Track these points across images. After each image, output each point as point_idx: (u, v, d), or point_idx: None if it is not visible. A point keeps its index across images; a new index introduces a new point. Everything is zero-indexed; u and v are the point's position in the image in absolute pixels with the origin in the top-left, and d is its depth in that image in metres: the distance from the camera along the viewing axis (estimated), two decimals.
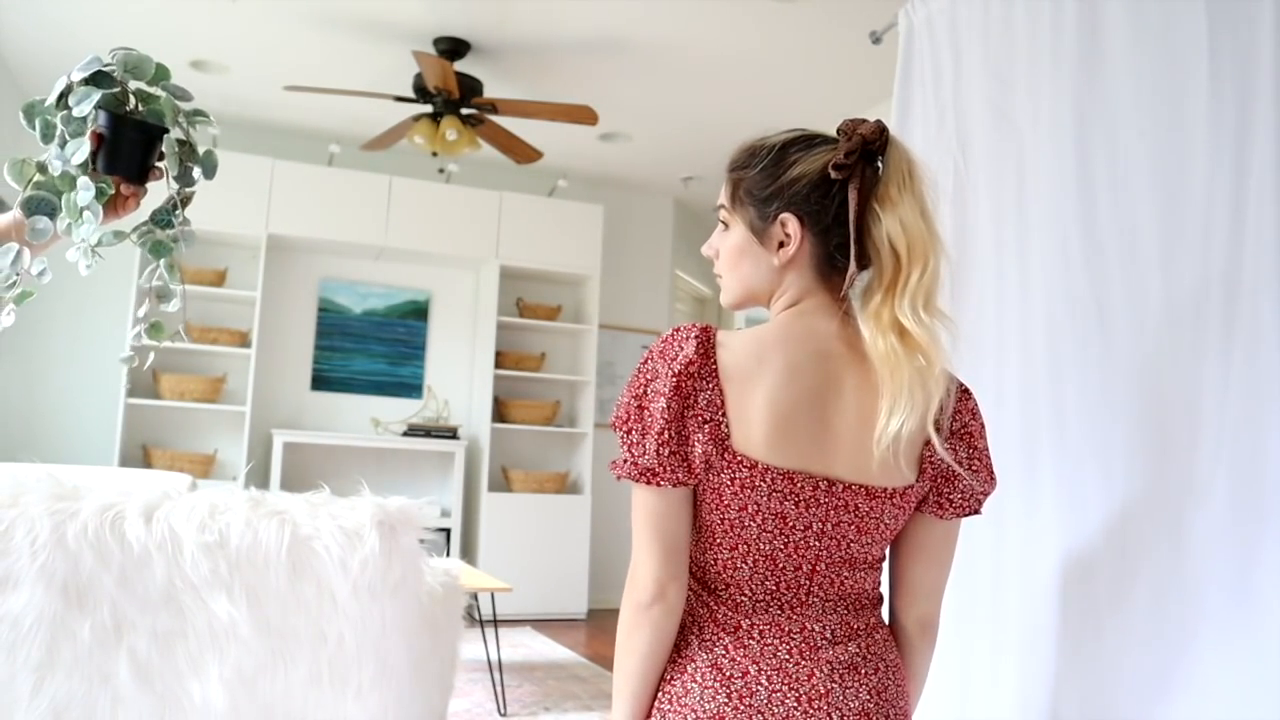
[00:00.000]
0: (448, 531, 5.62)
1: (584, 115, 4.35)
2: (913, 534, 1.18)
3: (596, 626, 5.68)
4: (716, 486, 1.07)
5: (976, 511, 1.18)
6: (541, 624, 5.59)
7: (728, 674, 1.07)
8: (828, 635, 1.09)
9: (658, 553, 1.06)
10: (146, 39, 4.51)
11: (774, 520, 1.07)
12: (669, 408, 1.04)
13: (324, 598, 1.74)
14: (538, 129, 5.05)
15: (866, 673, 1.10)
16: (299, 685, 1.73)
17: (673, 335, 1.08)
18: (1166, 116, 1.64)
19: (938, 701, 1.86)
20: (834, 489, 1.08)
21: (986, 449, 1.19)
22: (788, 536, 1.08)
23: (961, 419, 1.15)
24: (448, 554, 5.52)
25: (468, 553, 5.72)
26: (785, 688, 1.06)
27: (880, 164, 1.11)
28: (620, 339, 6.51)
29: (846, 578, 1.12)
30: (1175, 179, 1.61)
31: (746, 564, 1.09)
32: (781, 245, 1.13)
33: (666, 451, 1.04)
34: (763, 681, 1.06)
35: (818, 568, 1.10)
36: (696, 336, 1.07)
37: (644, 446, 1.04)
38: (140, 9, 4.20)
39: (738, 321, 6.96)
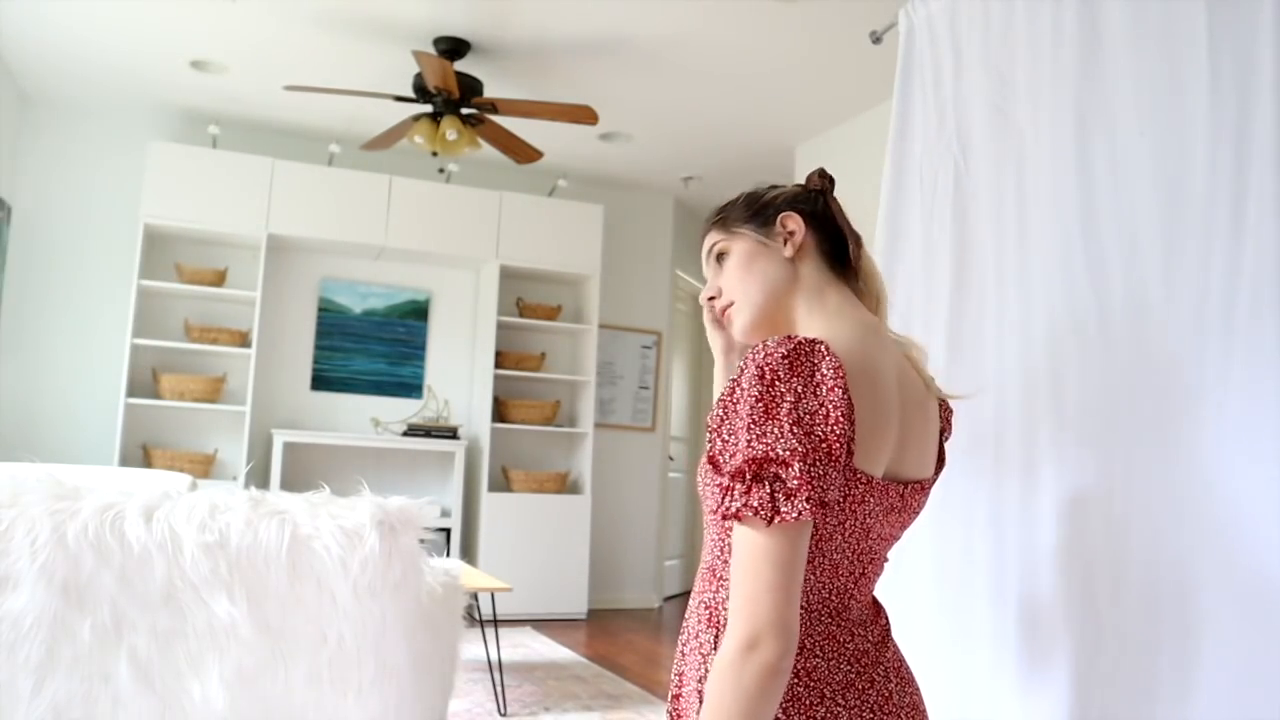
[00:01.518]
0: (448, 531, 5.62)
1: (584, 115, 4.35)
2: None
3: (596, 626, 5.68)
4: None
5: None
6: (541, 624, 5.59)
7: (806, 703, 0.99)
8: (869, 639, 1.09)
9: (789, 601, 0.89)
10: (146, 39, 4.51)
11: (858, 531, 1.02)
12: (839, 433, 0.92)
13: (324, 597, 1.74)
14: (538, 129, 5.05)
15: (904, 670, 1.13)
16: (299, 685, 1.73)
17: (799, 350, 0.94)
18: (1166, 116, 1.64)
19: (938, 702, 1.86)
20: (906, 491, 1.08)
21: None
22: (861, 544, 1.05)
23: None
24: (448, 554, 5.52)
25: (468, 553, 5.72)
26: (860, 703, 1.02)
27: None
28: (620, 339, 6.51)
29: (875, 577, 1.13)
30: (1175, 179, 1.61)
31: (813, 576, 1.02)
32: (789, 236, 1.16)
33: (841, 479, 0.94)
34: (840, 702, 1.00)
35: (867, 570, 1.08)
36: (823, 350, 0.95)
37: (830, 477, 0.92)
38: (140, 9, 4.20)
39: None
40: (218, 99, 5.21)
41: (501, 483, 5.91)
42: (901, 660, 1.14)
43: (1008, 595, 1.80)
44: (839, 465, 0.93)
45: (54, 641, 1.61)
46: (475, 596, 3.61)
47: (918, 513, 1.14)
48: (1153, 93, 1.68)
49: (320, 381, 5.86)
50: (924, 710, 1.14)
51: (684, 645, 1.12)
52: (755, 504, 0.89)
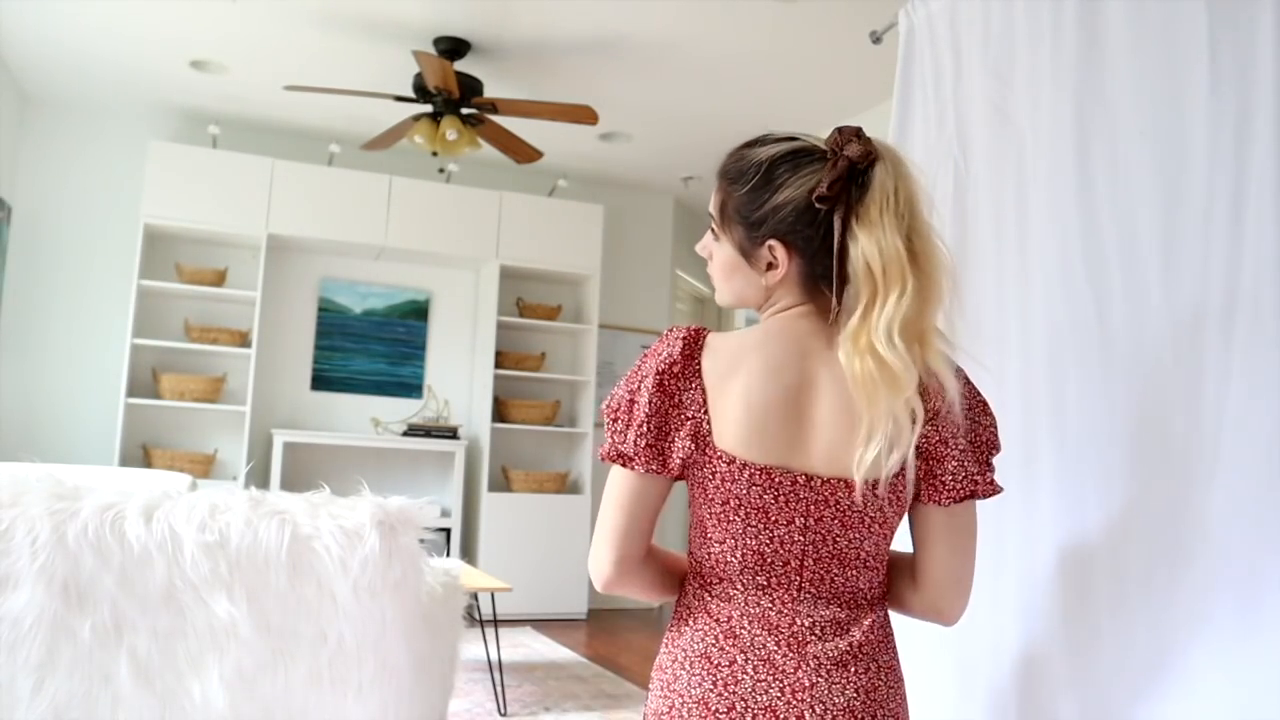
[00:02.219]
0: (448, 531, 5.62)
1: (584, 115, 4.35)
2: (917, 524, 1.19)
3: (597, 626, 5.68)
4: (701, 480, 1.13)
5: (975, 495, 1.15)
6: (541, 624, 5.59)
7: (715, 662, 1.11)
8: (817, 631, 1.11)
9: (619, 527, 1.14)
10: (146, 39, 4.51)
11: (757, 514, 1.11)
12: (650, 403, 1.11)
13: (324, 597, 1.74)
14: (538, 129, 5.05)
15: (857, 671, 1.11)
16: (299, 685, 1.73)
17: (665, 336, 1.15)
18: (1166, 116, 1.64)
19: (937, 702, 1.86)
20: (813, 483, 1.10)
21: (988, 428, 1.18)
22: (772, 531, 1.11)
23: (966, 402, 1.15)
24: (448, 554, 5.52)
25: (468, 553, 5.72)
26: (770, 678, 1.09)
27: (865, 181, 1.10)
28: (620, 339, 6.51)
29: (837, 574, 1.13)
30: (1175, 179, 1.61)
31: (735, 557, 1.12)
32: (770, 267, 1.15)
33: (643, 443, 1.11)
34: (749, 671, 1.10)
35: (806, 563, 1.12)
36: (684, 338, 1.14)
37: (625, 436, 1.12)
38: (140, 9, 4.20)
39: (738, 319, 6.96)
40: (218, 99, 5.21)
41: (501, 483, 5.91)
42: (874, 669, 1.11)
43: (1007, 595, 1.80)
44: (644, 434, 1.11)
45: (54, 641, 1.61)
46: (475, 596, 3.61)
47: (874, 513, 1.11)
48: (1153, 93, 1.68)
49: (320, 381, 5.86)
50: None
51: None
52: (605, 445, 1.15)
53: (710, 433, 1.11)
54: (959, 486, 1.14)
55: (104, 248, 5.38)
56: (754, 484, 1.10)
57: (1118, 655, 1.57)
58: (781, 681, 1.09)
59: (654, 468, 1.12)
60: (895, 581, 1.22)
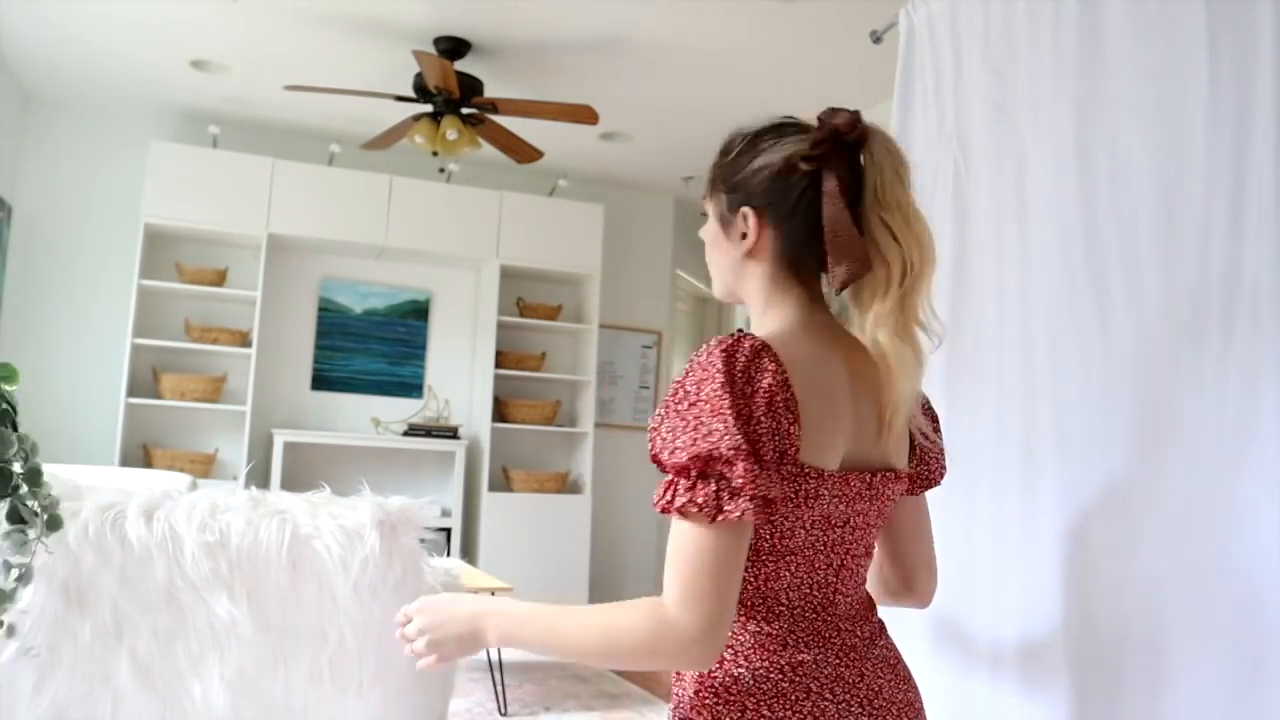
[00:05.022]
0: (448, 531, 5.62)
1: (584, 115, 4.35)
2: (899, 515, 1.23)
3: None
4: (791, 506, 1.01)
5: (938, 483, 1.24)
6: None
7: (793, 698, 1.00)
8: (859, 634, 1.09)
9: (721, 603, 0.91)
10: (146, 39, 4.51)
11: (821, 522, 1.04)
12: (770, 430, 0.94)
13: (324, 597, 1.74)
14: (538, 128, 5.05)
15: (900, 667, 1.13)
16: (300, 684, 1.73)
17: (739, 351, 0.96)
18: (1166, 116, 1.64)
19: (936, 702, 1.86)
20: (874, 479, 1.08)
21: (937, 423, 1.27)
22: (828, 536, 1.06)
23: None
24: (448, 553, 5.52)
25: (468, 552, 5.72)
26: (849, 697, 1.03)
27: (862, 160, 1.08)
28: (620, 339, 6.51)
29: (860, 569, 1.13)
30: (1175, 178, 1.61)
31: (788, 571, 1.04)
32: (743, 237, 1.12)
33: (778, 477, 0.95)
34: (827, 696, 1.01)
35: (846, 562, 1.09)
36: (761, 348, 0.97)
37: (768, 474, 0.93)
38: (140, 8, 4.20)
39: (737, 318, 6.96)
40: (218, 99, 5.21)
41: (502, 482, 5.91)
42: (898, 657, 1.14)
43: (1007, 595, 1.80)
44: (779, 464, 0.95)
45: (55, 641, 1.61)
46: None
47: (894, 502, 1.16)
48: (1153, 92, 1.68)
49: (321, 381, 5.87)
50: (920, 708, 1.13)
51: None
52: (700, 501, 0.91)
53: (798, 449, 0.98)
54: (934, 476, 1.23)
55: (104, 248, 5.38)
56: (834, 494, 1.03)
57: (1118, 655, 1.57)
58: (859, 694, 1.04)
59: (763, 513, 0.94)
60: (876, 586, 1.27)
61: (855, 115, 1.08)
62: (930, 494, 1.28)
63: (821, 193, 1.06)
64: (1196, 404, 1.52)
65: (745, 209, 1.10)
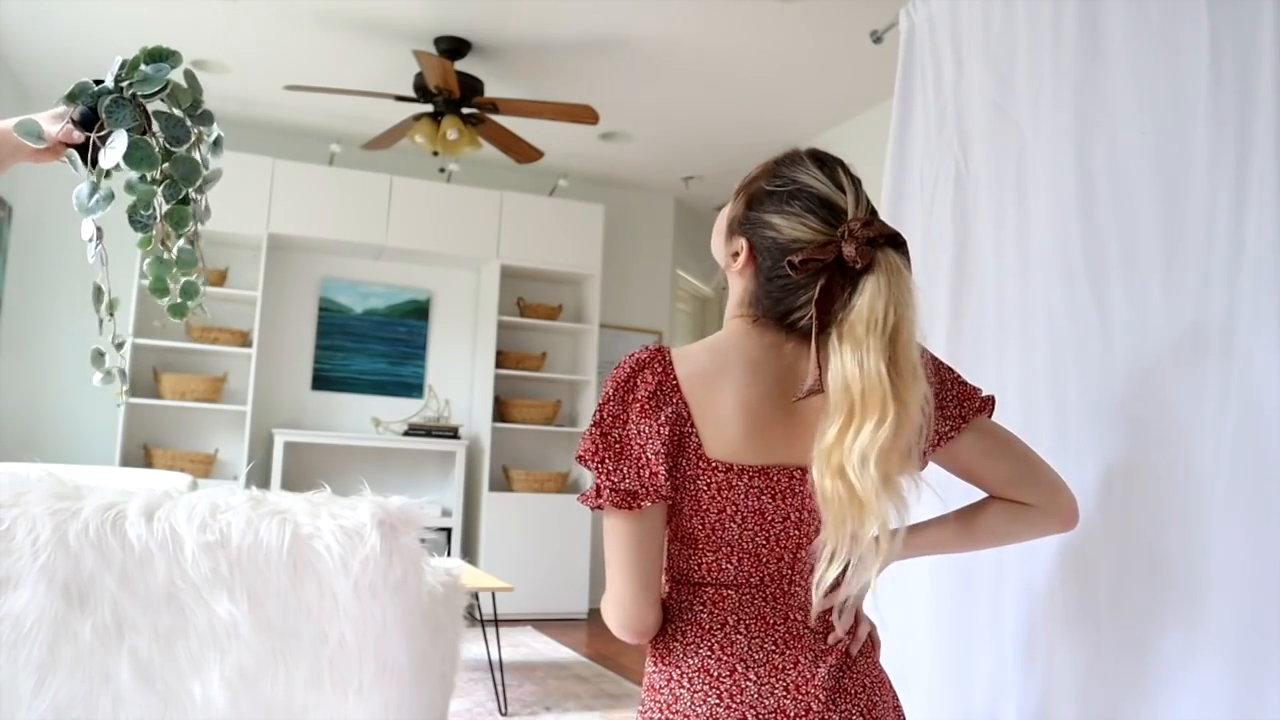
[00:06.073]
0: (449, 531, 5.62)
1: (584, 115, 4.35)
2: (960, 458, 1.20)
3: (598, 626, 5.68)
4: (694, 494, 1.09)
5: (968, 421, 1.19)
6: (542, 623, 5.59)
7: (715, 675, 1.09)
8: (810, 624, 1.11)
9: (637, 585, 1.10)
10: (147, 38, 4.50)
11: (754, 517, 1.10)
12: (640, 431, 1.07)
13: (325, 597, 1.74)
14: (538, 128, 5.05)
15: (861, 663, 1.13)
16: (300, 685, 1.73)
17: (624, 363, 1.11)
18: (1167, 116, 1.64)
19: (937, 702, 1.86)
20: (808, 476, 1.08)
21: (949, 374, 1.23)
22: (768, 530, 1.11)
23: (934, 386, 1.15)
24: (449, 553, 5.52)
25: (468, 552, 5.72)
26: (773, 680, 1.08)
27: (858, 288, 1.05)
28: (621, 339, 6.51)
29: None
30: (1175, 179, 1.61)
31: (731, 563, 1.11)
32: (736, 255, 1.17)
33: (647, 473, 1.06)
34: (750, 677, 1.08)
35: (799, 555, 1.12)
36: (648, 359, 1.10)
37: (621, 472, 1.07)
38: (141, 8, 4.20)
39: None
40: (218, 99, 5.21)
41: (502, 482, 5.91)
42: (869, 658, 1.14)
43: (1008, 596, 1.80)
44: (644, 464, 1.06)
45: (55, 641, 1.61)
46: (476, 596, 3.61)
47: None
48: (1153, 92, 1.68)
49: (321, 381, 5.87)
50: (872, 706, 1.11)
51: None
52: (588, 494, 1.10)
53: (701, 445, 1.08)
54: (962, 411, 1.20)
55: (104, 247, 5.37)
56: (752, 487, 1.09)
57: (1118, 655, 1.57)
58: (785, 679, 1.08)
59: (662, 494, 1.07)
60: (1009, 516, 1.22)
61: (872, 251, 1.05)
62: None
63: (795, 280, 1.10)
64: (1197, 403, 1.52)
65: (744, 240, 1.16)
